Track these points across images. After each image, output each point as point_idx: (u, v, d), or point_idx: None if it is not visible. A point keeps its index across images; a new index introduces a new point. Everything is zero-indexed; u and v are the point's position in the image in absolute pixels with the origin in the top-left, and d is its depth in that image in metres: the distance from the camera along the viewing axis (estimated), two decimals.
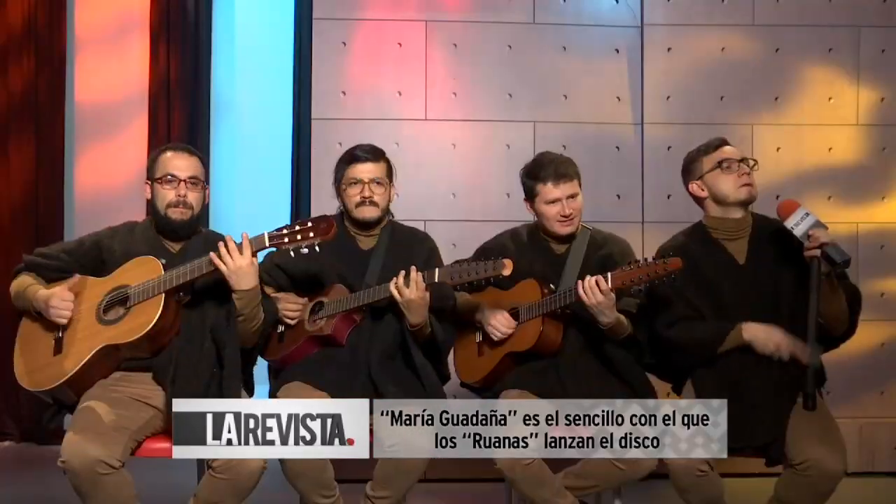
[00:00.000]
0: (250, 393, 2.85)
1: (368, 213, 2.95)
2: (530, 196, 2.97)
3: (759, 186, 2.82)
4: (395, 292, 2.73)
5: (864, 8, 4.25)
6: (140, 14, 4.87)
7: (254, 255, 2.60)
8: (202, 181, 2.81)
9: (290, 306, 2.93)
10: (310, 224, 2.54)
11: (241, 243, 2.60)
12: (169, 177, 2.75)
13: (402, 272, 2.73)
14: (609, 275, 2.66)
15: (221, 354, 2.65)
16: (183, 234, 2.80)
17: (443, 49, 4.21)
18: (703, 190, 2.83)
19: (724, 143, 2.84)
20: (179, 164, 2.77)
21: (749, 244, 2.78)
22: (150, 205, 2.82)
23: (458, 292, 2.96)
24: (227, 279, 2.59)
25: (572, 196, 2.91)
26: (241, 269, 2.57)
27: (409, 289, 2.71)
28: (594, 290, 2.65)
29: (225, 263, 2.57)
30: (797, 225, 2.58)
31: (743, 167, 2.76)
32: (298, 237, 2.54)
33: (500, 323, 2.90)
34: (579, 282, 2.69)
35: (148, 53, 4.85)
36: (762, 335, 2.66)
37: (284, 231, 2.56)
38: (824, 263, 2.53)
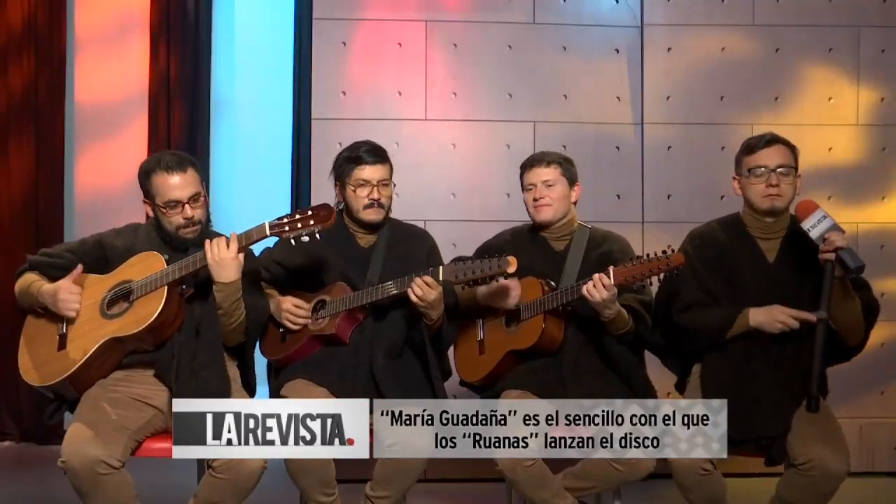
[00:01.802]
0: (251, 393, 2.85)
1: (376, 215, 2.95)
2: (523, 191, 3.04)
3: None
4: (416, 301, 2.73)
5: (864, 8, 4.25)
6: (140, 14, 4.87)
7: (241, 251, 2.59)
8: (203, 192, 2.77)
9: (298, 314, 2.90)
10: (310, 212, 2.54)
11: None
12: (172, 203, 2.70)
13: (417, 284, 2.71)
14: (611, 270, 2.66)
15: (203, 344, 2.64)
16: (194, 246, 2.76)
17: (443, 49, 4.21)
18: (738, 188, 2.82)
19: (768, 143, 2.75)
20: (178, 183, 2.69)
21: (782, 244, 2.77)
22: (154, 221, 2.78)
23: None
24: (210, 271, 2.59)
25: (547, 182, 2.94)
26: (223, 260, 2.57)
27: (426, 292, 2.71)
28: (599, 289, 2.65)
29: (210, 252, 2.57)
30: (814, 227, 2.57)
31: (772, 177, 2.71)
32: (299, 225, 2.53)
33: (513, 296, 2.88)
34: (585, 283, 2.69)
35: (148, 53, 4.85)
36: (765, 319, 2.66)
37: (285, 220, 2.56)
38: (838, 268, 2.52)
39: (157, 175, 2.72)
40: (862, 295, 2.67)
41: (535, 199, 2.96)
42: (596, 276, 2.67)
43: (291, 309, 2.90)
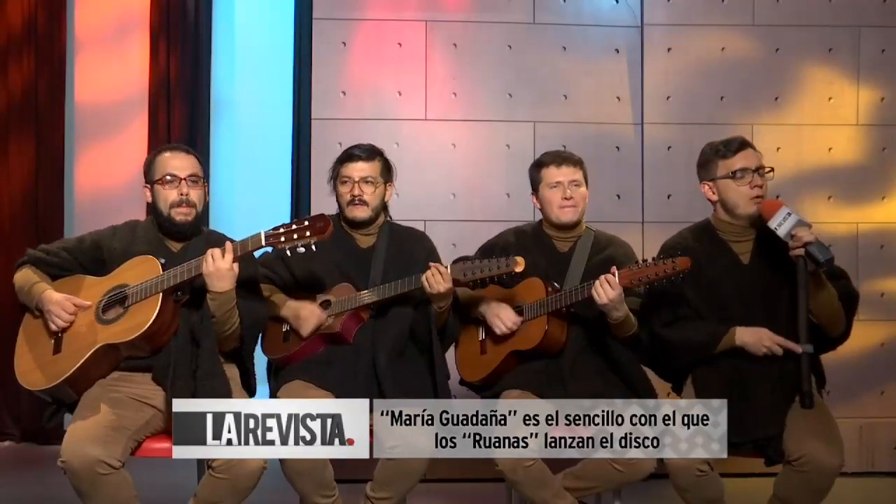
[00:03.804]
0: (251, 393, 2.84)
1: (357, 212, 2.96)
2: (535, 186, 3.02)
3: None
4: (428, 287, 2.74)
5: (864, 8, 4.25)
6: (140, 14, 4.87)
7: (235, 260, 2.58)
8: (202, 178, 2.81)
9: (314, 322, 2.90)
10: (306, 223, 2.53)
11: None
12: (169, 177, 2.75)
13: (430, 274, 2.74)
14: (616, 272, 2.67)
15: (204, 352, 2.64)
16: (188, 233, 2.79)
17: (443, 49, 4.21)
18: (713, 193, 2.82)
19: (742, 146, 2.77)
20: (178, 163, 2.77)
21: (755, 245, 2.77)
22: (152, 207, 2.82)
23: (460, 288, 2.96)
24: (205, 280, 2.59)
25: (575, 182, 2.94)
26: (219, 270, 2.56)
27: (439, 282, 2.73)
28: (606, 289, 2.66)
29: (206, 263, 2.57)
30: (780, 225, 2.59)
31: (756, 178, 2.73)
32: (295, 236, 2.53)
33: (506, 317, 2.88)
34: (592, 284, 2.69)
35: (148, 53, 4.85)
36: (751, 340, 2.67)
37: (281, 230, 2.55)
38: (809, 262, 2.54)
39: (160, 156, 2.81)
40: (839, 284, 2.68)
41: (564, 198, 2.94)
42: (602, 276, 2.67)
43: (310, 317, 2.89)
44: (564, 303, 2.80)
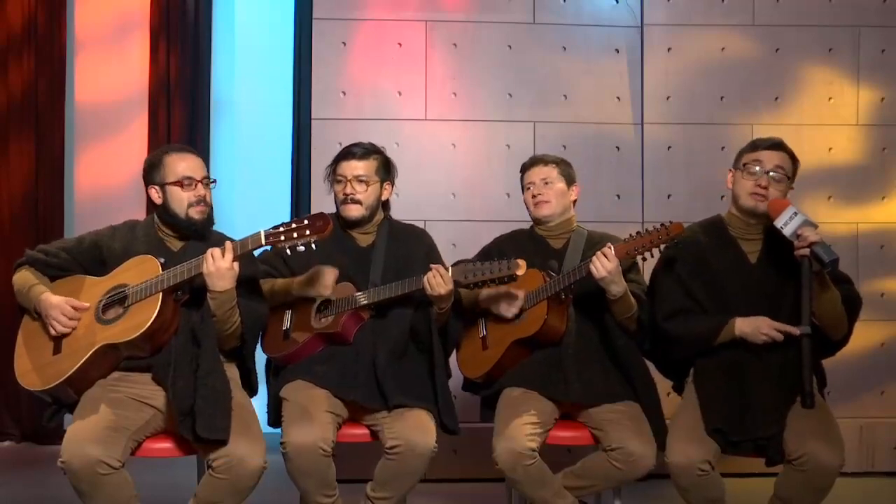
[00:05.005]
0: (252, 393, 2.84)
1: (350, 211, 2.97)
2: (523, 192, 3.11)
3: None
4: (429, 289, 2.75)
5: (864, 8, 4.25)
6: (140, 14, 4.87)
7: (235, 259, 2.58)
8: (210, 179, 2.82)
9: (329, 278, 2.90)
10: (306, 221, 2.54)
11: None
12: (186, 179, 2.74)
13: (431, 276, 2.73)
14: (612, 246, 2.69)
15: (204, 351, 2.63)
16: (204, 230, 2.79)
17: (443, 49, 4.21)
18: (730, 181, 2.85)
19: (773, 147, 2.78)
20: (191, 165, 2.76)
21: (763, 246, 2.78)
22: (161, 208, 2.79)
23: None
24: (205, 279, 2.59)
25: (545, 180, 3.01)
26: (219, 269, 2.56)
27: (440, 284, 2.73)
28: (603, 262, 2.68)
29: (206, 263, 2.57)
30: (786, 224, 2.59)
31: (762, 179, 2.73)
32: (294, 235, 2.53)
33: (512, 302, 2.89)
34: (589, 261, 2.71)
35: (148, 53, 4.86)
36: (749, 330, 2.67)
37: (281, 229, 2.55)
38: (814, 262, 2.54)
39: (169, 156, 2.78)
40: (843, 289, 2.68)
41: (534, 196, 3.03)
42: (599, 251, 2.70)
43: (325, 273, 2.90)
44: (563, 284, 2.81)
